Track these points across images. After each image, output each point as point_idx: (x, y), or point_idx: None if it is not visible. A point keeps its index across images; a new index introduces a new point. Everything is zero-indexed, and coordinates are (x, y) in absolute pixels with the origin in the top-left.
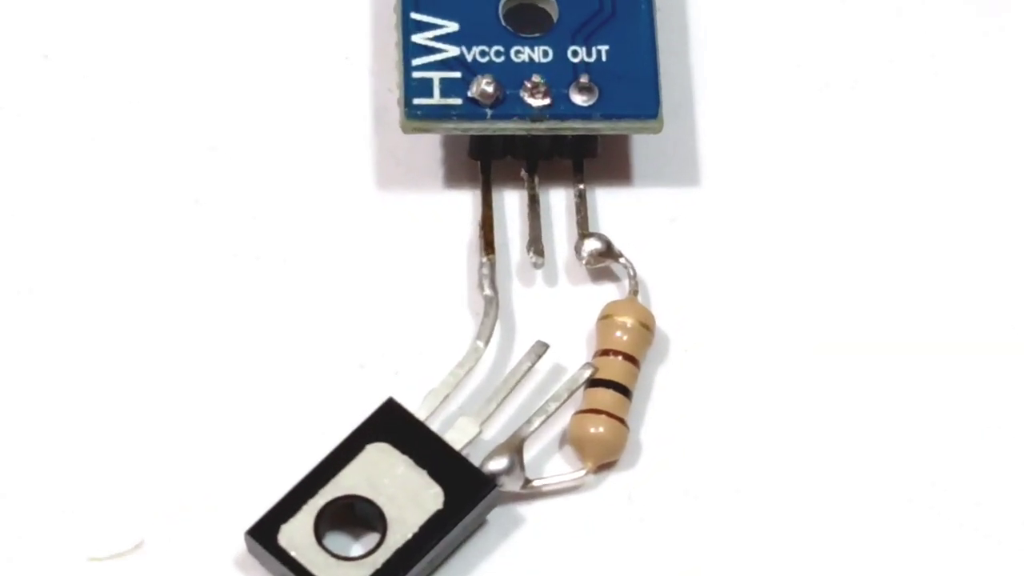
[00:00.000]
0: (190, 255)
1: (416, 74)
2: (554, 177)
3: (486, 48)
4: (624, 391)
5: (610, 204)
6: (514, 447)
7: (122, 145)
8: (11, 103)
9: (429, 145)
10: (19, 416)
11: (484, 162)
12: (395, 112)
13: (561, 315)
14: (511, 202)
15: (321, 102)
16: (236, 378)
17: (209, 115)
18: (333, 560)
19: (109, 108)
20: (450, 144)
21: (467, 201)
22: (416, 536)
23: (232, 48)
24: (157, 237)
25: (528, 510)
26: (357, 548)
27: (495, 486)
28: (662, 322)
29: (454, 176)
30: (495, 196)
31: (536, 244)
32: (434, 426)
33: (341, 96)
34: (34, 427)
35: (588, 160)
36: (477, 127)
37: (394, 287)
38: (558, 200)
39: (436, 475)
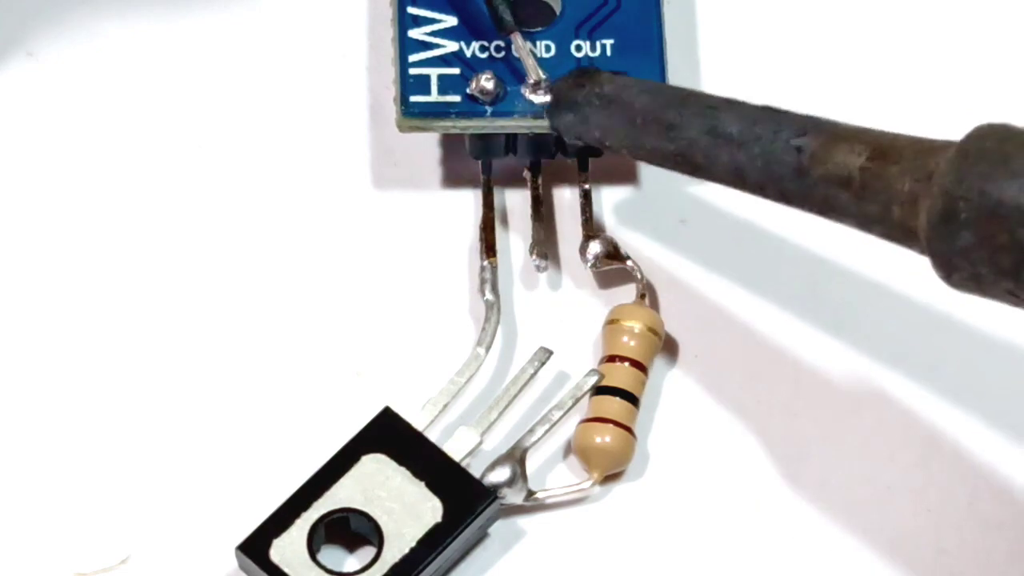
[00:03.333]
0: (180, 259)
1: (413, 70)
2: (558, 177)
3: (486, 43)
4: (631, 399)
5: (617, 205)
6: (516, 458)
7: (110, 144)
8: None
9: (427, 144)
10: (4, 431)
11: (485, 161)
12: (392, 110)
13: (566, 320)
14: (514, 203)
15: (316, 100)
16: (227, 387)
17: (200, 113)
18: None
19: (96, 107)
20: (449, 143)
21: (467, 202)
22: (414, 550)
23: (227, 45)
24: (147, 240)
25: (531, 522)
26: (352, 562)
27: (496, 498)
28: (671, 327)
29: (454, 176)
30: (497, 197)
31: (539, 247)
32: (433, 436)
33: (337, 94)
34: (21, 442)
35: (593, 159)
36: (477, 125)
37: (392, 292)
38: (562, 201)
39: (434, 487)
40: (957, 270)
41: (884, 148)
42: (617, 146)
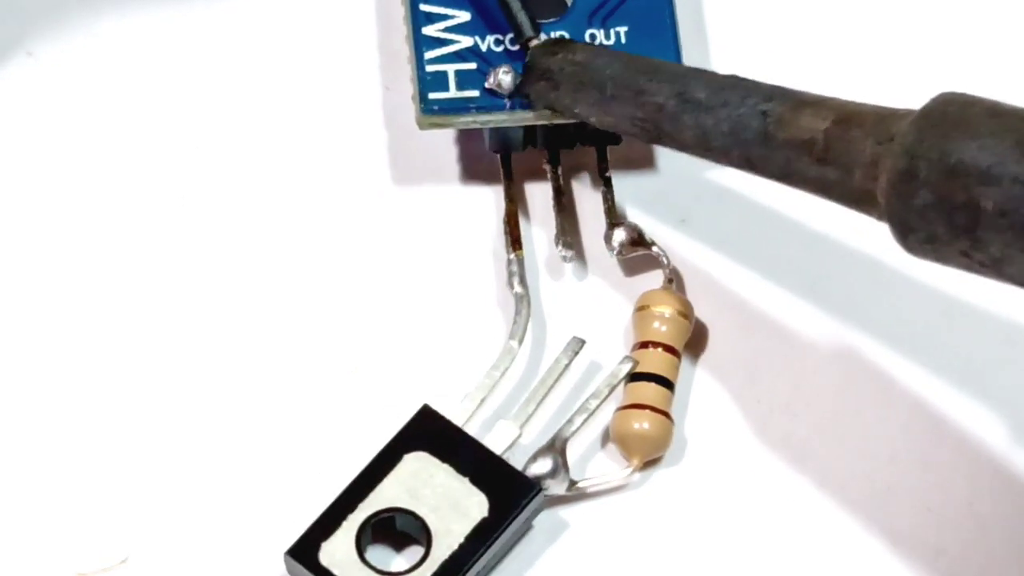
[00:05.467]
0: (196, 260)
1: (430, 67)
2: (577, 166)
3: (500, 36)
4: (667, 384)
5: (637, 191)
6: (557, 448)
7: (113, 145)
8: None
9: (444, 141)
10: (5, 431)
11: (504, 155)
12: (407, 107)
13: (593, 309)
14: (533, 195)
15: (329, 101)
16: (242, 386)
17: (206, 115)
18: None
19: (98, 107)
20: (465, 138)
21: (485, 197)
22: (462, 546)
23: (235, 45)
24: (156, 240)
25: (573, 513)
26: (400, 561)
27: (540, 490)
28: (698, 310)
29: (472, 172)
30: (516, 190)
31: (564, 237)
32: (471, 431)
33: (350, 94)
34: (22, 441)
35: (612, 147)
36: (497, 119)
37: (417, 289)
38: (582, 190)
39: (479, 482)
40: (913, 231)
41: (849, 114)
42: (586, 113)
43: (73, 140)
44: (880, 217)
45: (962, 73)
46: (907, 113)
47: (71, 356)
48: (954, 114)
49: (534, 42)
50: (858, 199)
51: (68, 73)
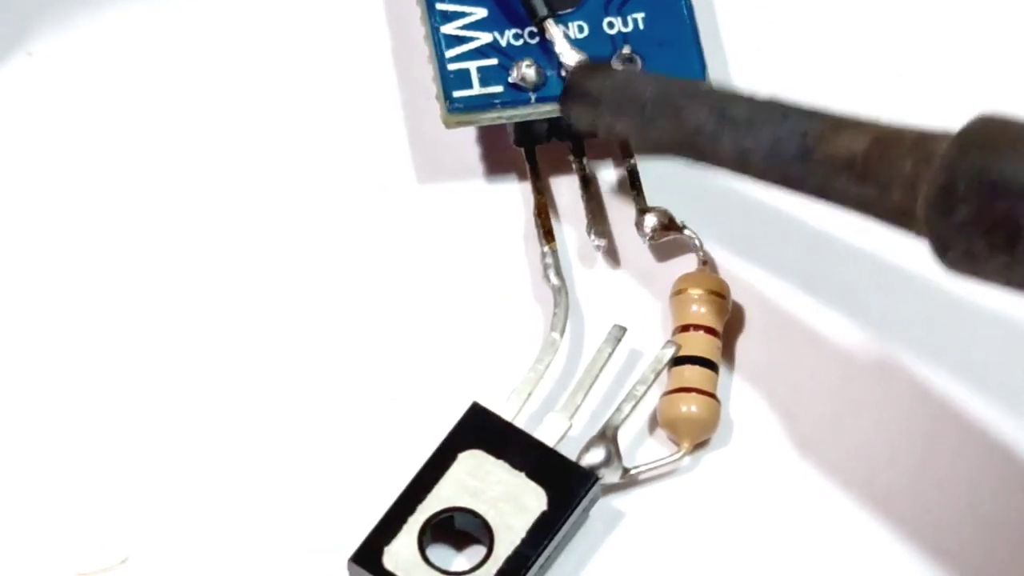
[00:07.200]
0: (209, 263)
1: (452, 66)
2: (601, 155)
3: (519, 31)
4: (710, 365)
5: (662, 176)
6: (609, 437)
7: (117, 147)
8: None
9: (464, 137)
10: (5, 431)
11: (528, 148)
12: (425, 106)
13: (628, 296)
14: (559, 187)
15: (347, 104)
16: (273, 386)
17: (218, 118)
18: None
19: (101, 108)
20: (488, 134)
21: (512, 191)
22: (524, 541)
23: (245, 51)
24: (159, 241)
25: (626, 500)
26: (461, 561)
27: (597, 479)
28: (733, 291)
29: (497, 167)
30: (542, 182)
31: (596, 226)
32: (520, 426)
33: (367, 97)
34: (22, 441)
35: None
36: (523, 113)
37: (450, 288)
38: (607, 179)
39: (535, 476)
40: (952, 247)
41: (888, 134)
42: (625, 133)
43: (74, 140)
44: (919, 233)
45: (992, 99)
46: (946, 135)
47: (72, 355)
48: (995, 132)
49: (549, 22)
50: (897, 216)
51: (68, 73)
